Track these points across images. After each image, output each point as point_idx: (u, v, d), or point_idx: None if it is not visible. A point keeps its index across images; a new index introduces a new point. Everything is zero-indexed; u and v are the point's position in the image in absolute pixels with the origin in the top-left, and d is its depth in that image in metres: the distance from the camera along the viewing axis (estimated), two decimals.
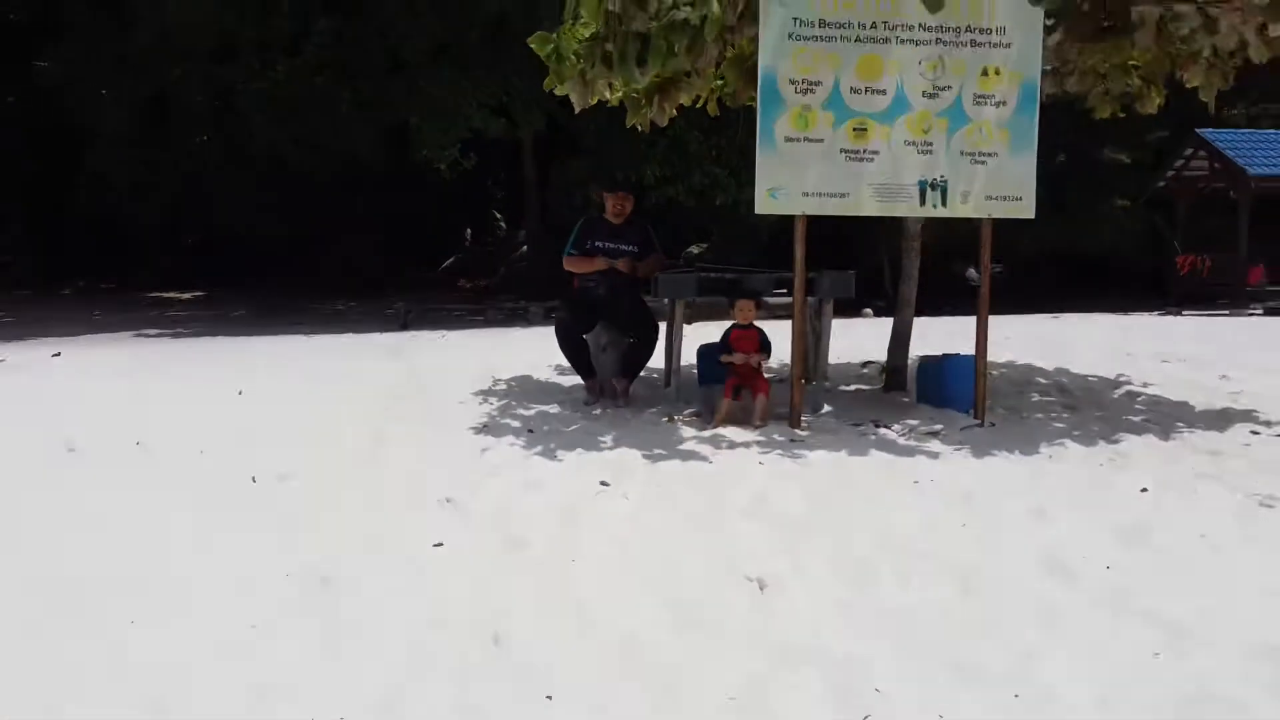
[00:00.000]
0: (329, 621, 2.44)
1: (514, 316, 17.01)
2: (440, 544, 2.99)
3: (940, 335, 7.60)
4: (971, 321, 5.25)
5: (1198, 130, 14.78)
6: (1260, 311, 13.77)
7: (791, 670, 2.20)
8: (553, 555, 2.92)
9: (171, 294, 23.81)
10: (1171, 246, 16.37)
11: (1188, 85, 5.94)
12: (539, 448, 4.22)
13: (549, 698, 2.08)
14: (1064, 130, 15.02)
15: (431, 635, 2.36)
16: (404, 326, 13.84)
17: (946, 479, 3.72)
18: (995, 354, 7.65)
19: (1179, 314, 13.62)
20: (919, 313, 6.13)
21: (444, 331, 11.75)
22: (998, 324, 9.72)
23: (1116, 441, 4.38)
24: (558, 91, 5.57)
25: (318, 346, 9.49)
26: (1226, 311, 13.52)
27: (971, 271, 29.52)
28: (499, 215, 29.16)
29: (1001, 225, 4.86)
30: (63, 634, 2.36)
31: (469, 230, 29.48)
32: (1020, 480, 3.74)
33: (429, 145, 16.63)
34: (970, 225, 5.17)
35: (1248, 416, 4.93)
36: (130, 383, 6.31)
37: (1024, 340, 8.49)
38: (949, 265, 28.15)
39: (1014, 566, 2.82)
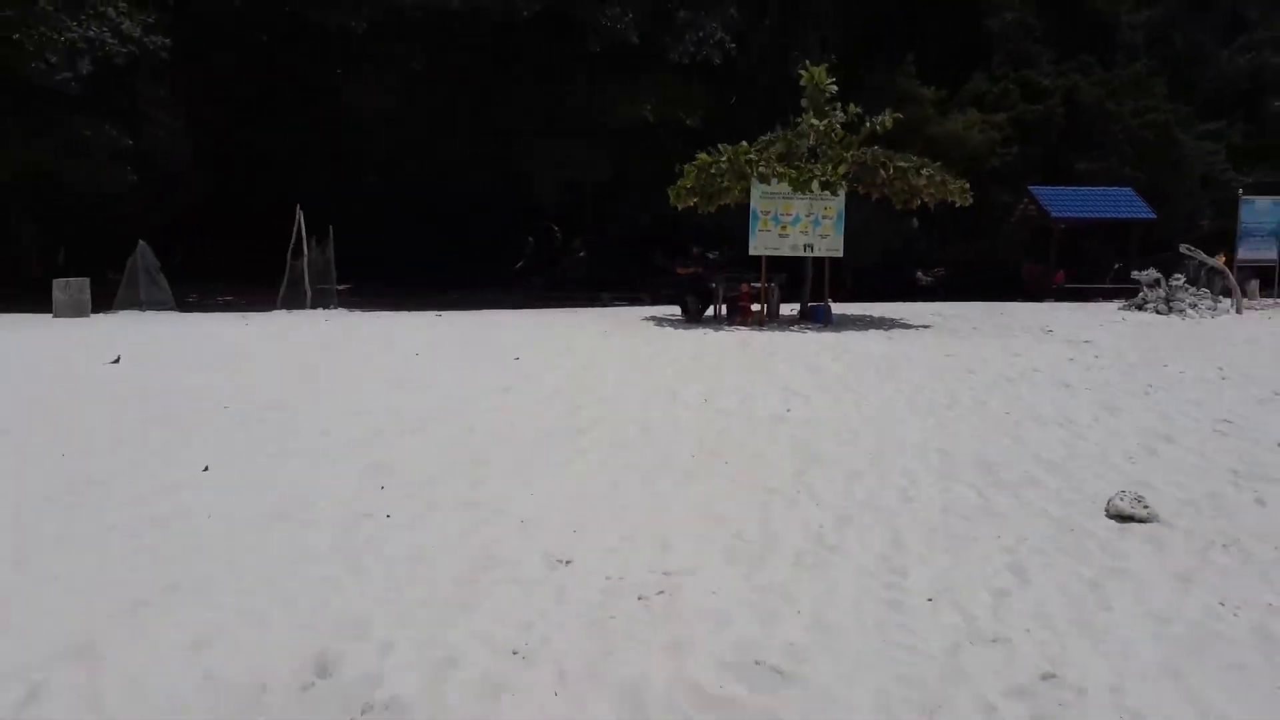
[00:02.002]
0: (611, 357, 11.12)
1: (591, 301, 25.70)
2: (653, 351, 11.72)
3: (858, 309, 16.34)
4: (903, 304, 14.00)
5: (1030, 187, 23.61)
6: (1079, 302, 22.43)
7: (742, 375, 10.87)
8: (694, 347, 11.58)
9: (325, 286, 32.58)
10: (1020, 260, 25.18)
11: (924, 200, 14.64)
12: (679, 328, 12.93)
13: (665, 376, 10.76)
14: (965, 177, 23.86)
15: (649, 360, 11.03)
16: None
17: (808, 340, 12.40)
18: (864, 311, 16.40)
19: (1015, 301, 22.24)
20: (882, 298, 14.88)
21: (566, 310, 20.43)
22: (911, 305, 18.39)
23: (866, 330, 13.09)
24: (672, 201, 14.36)
25: (523, 313, 18.17)
26: (1041, 301, 22.12)
27: (920, 274, 38.31)
28: (555, 228, 37.92)
29: (937, 242, 13.59)
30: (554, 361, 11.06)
31: (530, 239, 38.24)
32: (832, 340, 12.41)
33: (542, 188, 25.35)
34: (923, 245, 13.79)
35: (927, 326, 13.63)
36: (502, 321, 15.00)
37: (894, 308, 17.19)
38: (910, 271, 36.99)
39: (819, 353, 11.48)
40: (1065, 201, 22.67)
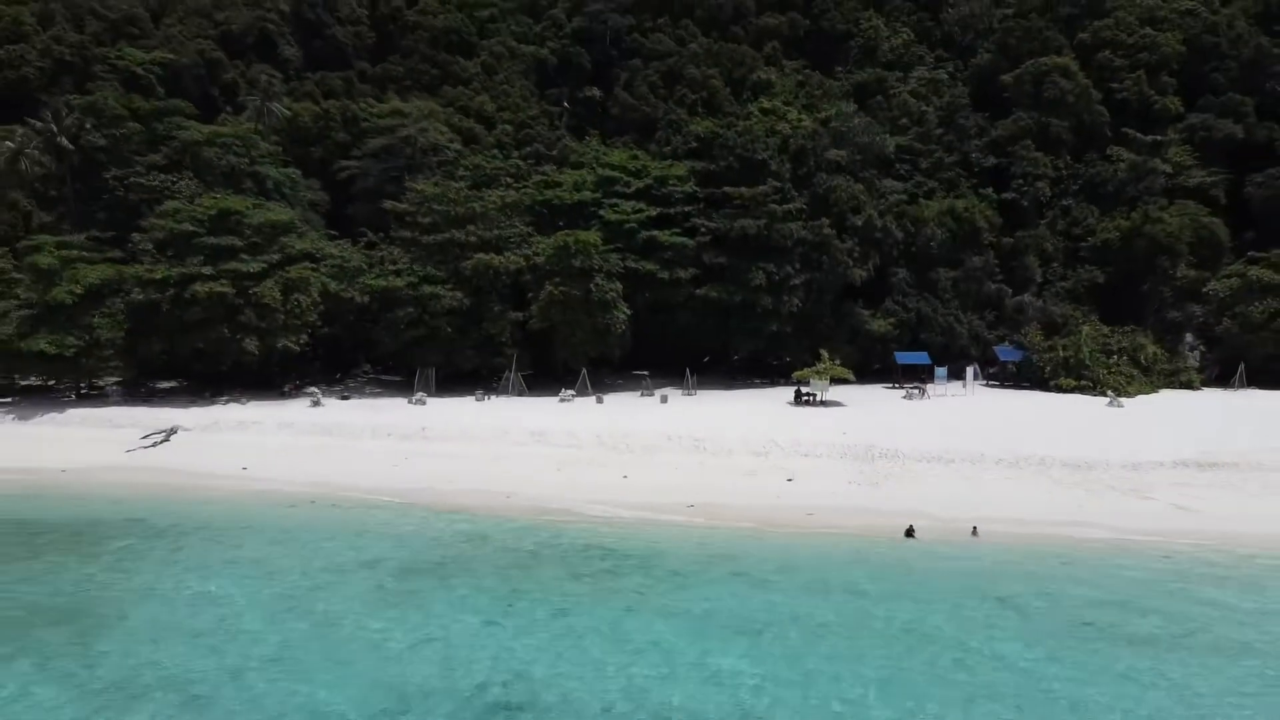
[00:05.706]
0: (787, 409, 60.56)
1: (750, 385, 74.55)
2: (793, 408, 61.36)
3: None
4: (863, 387, 64.03)
5: (895, 351, 72.83)
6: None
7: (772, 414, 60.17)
8: (799, 409, 60.81)
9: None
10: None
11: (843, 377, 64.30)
12: (795, 405, 62.45)
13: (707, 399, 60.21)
14: (883, 346, 73.83)
15: (772, 415, 60.36)
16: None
17: (824, 410, 61.64)
18: (841, 398, 67.19)
19: (892, 389, 71.37)
20: (864, 380, 64.78)
21: (721, 391, 69.88)
22: (864, 389, 69.72)
23: (838, 408, 62.37)
24: (795, 376, 64.27)
25: (746, 390, 67.58)
26: (901, 389, 70.92)
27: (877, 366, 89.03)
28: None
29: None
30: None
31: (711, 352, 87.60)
32: (827, 410, 61.56)
33: (738, 345, 75.12)
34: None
35: (848, 405, 62.83)
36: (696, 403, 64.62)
37: (854, 393, 66.16)
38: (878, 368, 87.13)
39: (824, 413, 60.66)
40: (904, 356, 72.10)
